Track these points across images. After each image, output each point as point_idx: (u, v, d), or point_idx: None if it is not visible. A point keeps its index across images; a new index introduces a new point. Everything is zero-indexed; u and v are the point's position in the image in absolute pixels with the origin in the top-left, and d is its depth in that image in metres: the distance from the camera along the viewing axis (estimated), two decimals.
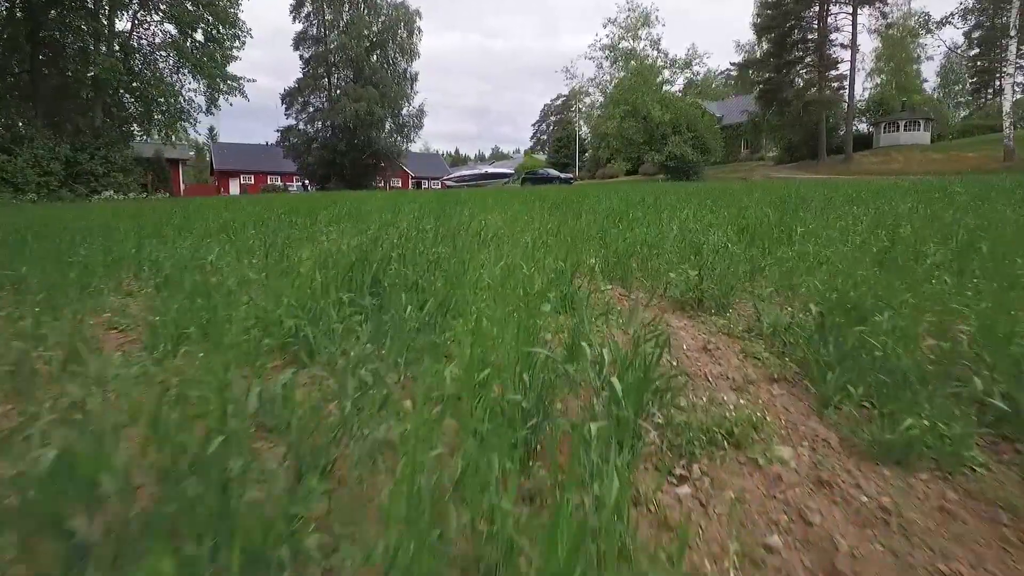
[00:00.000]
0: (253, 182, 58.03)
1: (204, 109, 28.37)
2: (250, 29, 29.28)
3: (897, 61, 51.58)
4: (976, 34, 56.59)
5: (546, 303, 2.42)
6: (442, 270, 2.74)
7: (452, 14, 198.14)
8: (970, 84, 59.12)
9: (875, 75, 53.33)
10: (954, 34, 56.60)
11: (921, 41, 51.33)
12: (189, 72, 27.61)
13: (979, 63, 57.50)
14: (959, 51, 58.66)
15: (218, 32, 28.17)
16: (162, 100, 27.36)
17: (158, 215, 8.37)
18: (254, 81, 29.35)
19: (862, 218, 5.18)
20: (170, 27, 26.83)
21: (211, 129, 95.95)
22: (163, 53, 27.07)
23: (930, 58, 59.34)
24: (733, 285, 2.86)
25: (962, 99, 59.89)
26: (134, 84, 26.36)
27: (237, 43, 29.30)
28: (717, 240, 4.19)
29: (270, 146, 45.79)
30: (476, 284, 2.52)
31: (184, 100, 27.58)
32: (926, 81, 56.65)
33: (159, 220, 7.23)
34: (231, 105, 27.00)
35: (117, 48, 25.34)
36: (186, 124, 29.31)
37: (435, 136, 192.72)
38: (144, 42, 26.84)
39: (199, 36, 27.74)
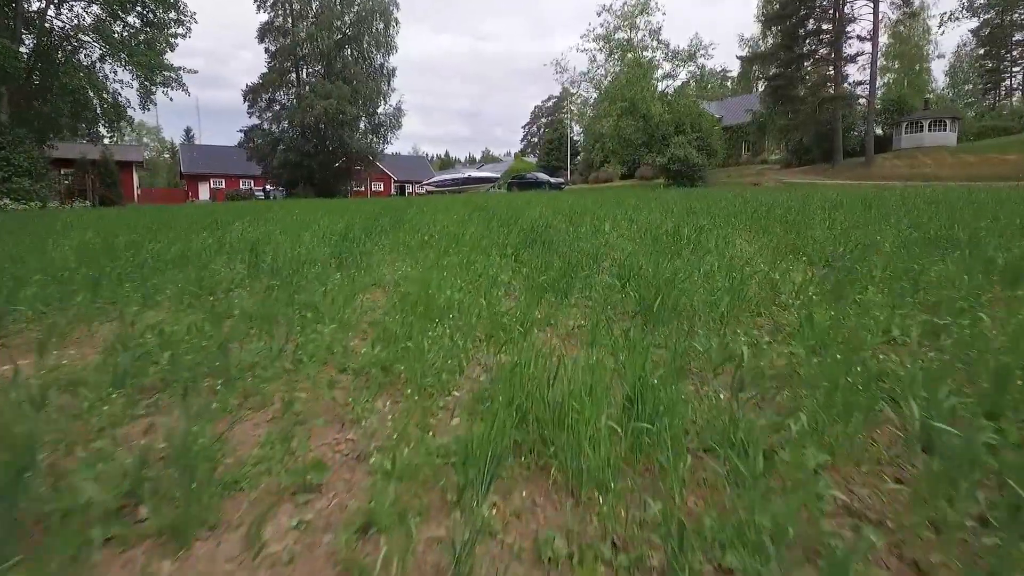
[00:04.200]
0: (224, 186, 54.24)
1: (139, 104, 24.47)
2: (194, 13, 25.39)
3: (908, 59, 48.68)
4: (984, 32, 53.76)
5: None
6: None
7: (444, 17, 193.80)
8: (979, 85, 56.39)
9: (883, 73, 50.36)
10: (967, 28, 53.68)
11: (934, 37, 48.59)
12: (122, 63, 23.63)
13: (987, 63, 54.65)
14: (969, 50, 56.03)
15: (155, 16, 24.26)
16: (92, 95, 23.44)
17: None
18: (195, 72, 25.52)
19: None
20: (96, 8, 22.89)
21: (188, 130, 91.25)
22: (86, 38, 23.04)
23: (941, 56, 56.66)
24: None
25: (971, 99, 57.16)
26: (60, 74, 22.39)
27: (181, 29, 25.42)
28: None
29: (244, 147, 42.06)
30: None
31: (109, 94, 23.52)
32: (934, 83, 53.92)
33: None
34: (171, 100, 23.11)
35: (24, 31, 21.37)
36: (121, 123, 25.40)
37: (426, 139, 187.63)
38: (59, 24, 22.83)
39: (132, 20, 23.81)
